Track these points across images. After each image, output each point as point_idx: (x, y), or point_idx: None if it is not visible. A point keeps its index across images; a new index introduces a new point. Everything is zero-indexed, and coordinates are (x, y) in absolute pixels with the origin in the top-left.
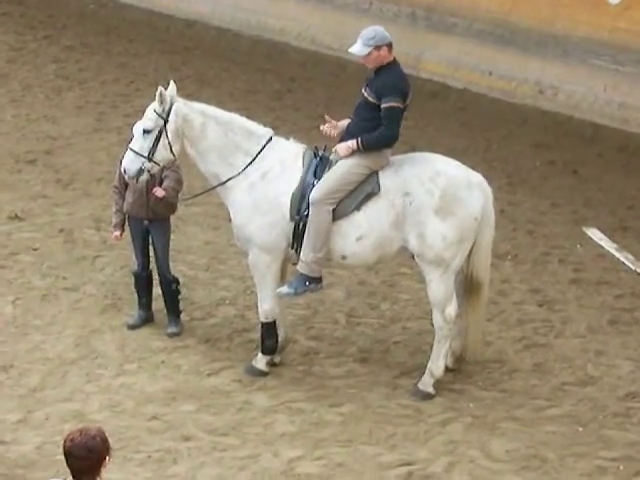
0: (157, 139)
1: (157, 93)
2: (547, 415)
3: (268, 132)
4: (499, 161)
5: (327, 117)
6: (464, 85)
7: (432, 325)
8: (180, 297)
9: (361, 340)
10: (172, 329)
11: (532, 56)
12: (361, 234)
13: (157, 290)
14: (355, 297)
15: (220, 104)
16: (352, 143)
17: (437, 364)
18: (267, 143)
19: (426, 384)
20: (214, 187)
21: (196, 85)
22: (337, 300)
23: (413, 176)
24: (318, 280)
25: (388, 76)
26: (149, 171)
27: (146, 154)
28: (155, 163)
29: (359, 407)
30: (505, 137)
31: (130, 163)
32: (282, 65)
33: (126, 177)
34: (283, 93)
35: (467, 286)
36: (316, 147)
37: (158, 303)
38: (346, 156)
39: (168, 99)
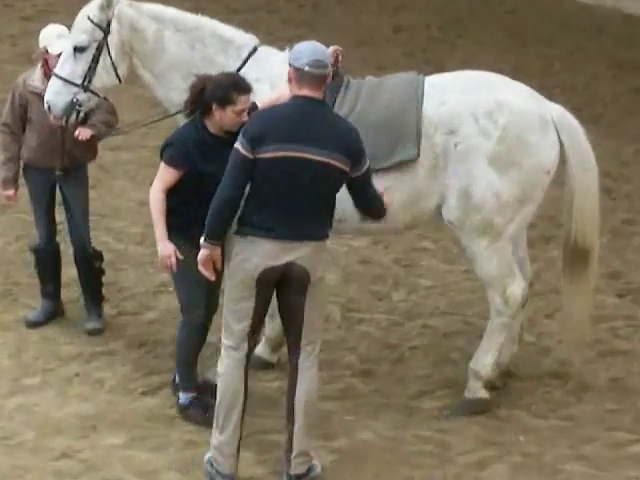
0: (95, 59)
1: None
2: (630, 453)
3: (251, 40)
4: (563, 88)
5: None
6: None
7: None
8: (103, 279)
9: (363, 345)
10: (92, 324)
11: None
12: (387, 185)
13: (68, 271)
14: (355, 282)
15: (160, 2)
16: None
17: (484, 361)
18: (251, 55)
19: (473, 390)
20: (175, 113)
21: None
22: (329, 287)
23: (464, 107)
24: None
25: None
26: (80, 106)
27: (80, 81)
28: (93, 93)
29: (360, 441)
30: (572, 53)
31: (57, 96)
32: None
33: (51, 117)
34: None
35: (568, 257)
36: None
37: (69, 290)
38: None
39: (114, 1)
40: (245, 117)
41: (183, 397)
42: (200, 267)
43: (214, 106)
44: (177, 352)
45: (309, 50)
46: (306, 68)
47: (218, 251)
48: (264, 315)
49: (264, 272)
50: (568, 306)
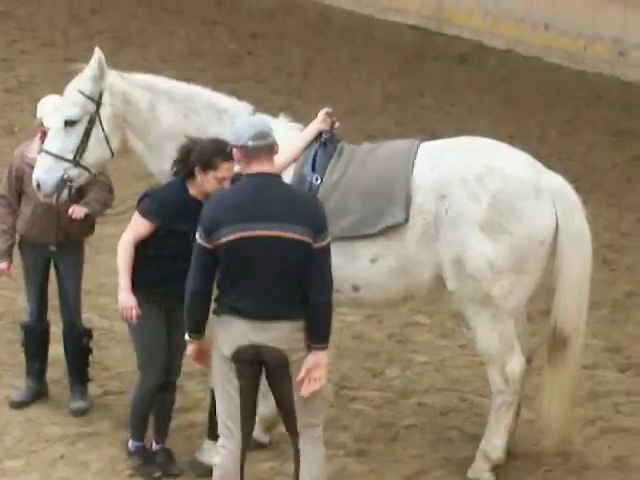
0: (87, 133)
1: (92, 62)
2: None
3: (245, 108)
4: (561, 156)
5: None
6: (507, 44)
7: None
8: (90, 358)
9: (357, 423)
10: (77, 404)
11: (609, 4)
12: (376, 253)
13: (52, 348)
14: (348, 359)
15: (149, 72)
16: None
17: (494, 442)
18: None
19: (478, 471)
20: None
21: (112, 45)
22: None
23: (454, 172)
24: None
25: None
26: (71, 182)
27: (71, 156)
28: (84, 169)
29: None
30: (569, 121)
31: (47, 173)
32: (239, 16)
33: (41, 196)
34: (240, 56)
35: (550, 341)
36: None
37: (53, 369)
38: None
39: (107, 71)
40: (227, 185)
41: (132, 444)
42: (194, 361)
43: (197, 169)
44: (131, 414)
45: (247, 126)
46: (250, 143)
47: (206, 343)
48: (254, 399)
49: (238, 351)
50: (552, 393)
